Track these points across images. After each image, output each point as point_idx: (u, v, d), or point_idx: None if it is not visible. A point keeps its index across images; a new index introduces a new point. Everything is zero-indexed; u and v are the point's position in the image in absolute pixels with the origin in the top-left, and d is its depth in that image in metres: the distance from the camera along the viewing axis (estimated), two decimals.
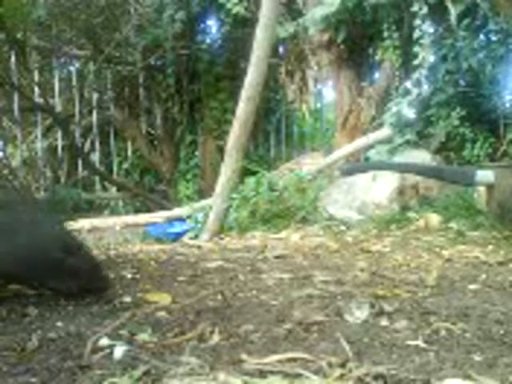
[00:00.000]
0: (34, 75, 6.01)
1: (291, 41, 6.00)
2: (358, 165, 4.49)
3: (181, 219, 4.30)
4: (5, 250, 1.48)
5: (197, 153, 6.67)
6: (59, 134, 6.25)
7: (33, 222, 1.58)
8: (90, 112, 6.59)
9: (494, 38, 5.08)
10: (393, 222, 3.41)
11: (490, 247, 2.46)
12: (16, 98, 5.59)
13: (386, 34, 4.97)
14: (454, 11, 4.58)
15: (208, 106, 6.64)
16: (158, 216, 4.63)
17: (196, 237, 3.35)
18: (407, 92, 4.82)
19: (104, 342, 1.14)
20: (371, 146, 4.76)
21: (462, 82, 5.09)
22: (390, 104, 4.83)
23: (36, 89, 6.01)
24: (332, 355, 1.04)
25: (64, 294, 1.56)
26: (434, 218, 3.32)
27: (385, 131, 4.74)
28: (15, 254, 1.49)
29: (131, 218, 4.74)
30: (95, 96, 6.61)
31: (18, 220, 1.56)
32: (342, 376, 0.94)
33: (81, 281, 1.55)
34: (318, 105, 7.21)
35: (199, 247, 2.82)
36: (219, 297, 1.58)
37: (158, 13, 6.28)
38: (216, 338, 1.19)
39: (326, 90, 6.79)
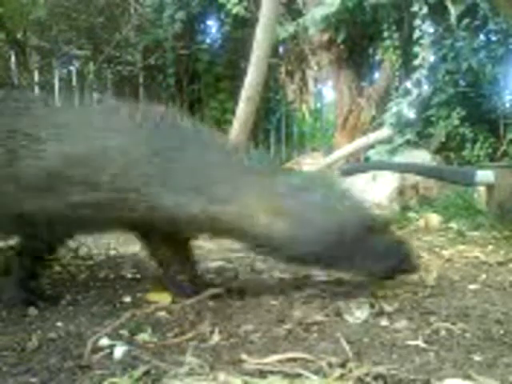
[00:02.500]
0: (34, 75, 6.01)
1: (291, 41, 6.00)
2: (357, 165, 4.49)
3: None
4: (311, 229, 1.48)
5: None
6: None
7: (325, 204, 1.54)
8: None
9: (493, 38, 5.09)
10: (393, 221, 3.41)
11: (490, 247, 2.46)
12: None
13: (386, 33, 4.97)
14: (453, 11, 4.59)
15: (208, 106, 6.64)
16: None
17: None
18: (407, 92, 4.82)
19: (104, 341, 1.14)
20: (371, 146, 4.76)
21: (462, 82, 5.10)
22: (390, 104, 4.83)
23: (36, 89, 6.01)
24: (332, 355, 1.04)
25: (371, 276, 1.56)
26: (434, 218, 3.32)
27: (385, 131, 4.74)
28: (320, 233, 1.48)
29: None
30: (95, 96, 6.61)
31: (311, 203, 1.52)
32: (342, 376, 0.94)
33: (389, 262, 1.53)
34: (318, 105, 7.21)
35: (199, 247, 2.82)
36: (219, 297, 1.58)
37: (158, 13, 6.28)
38: (216, 337, 1.19)
39: (326, 90, 6.80)
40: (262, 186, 1.50)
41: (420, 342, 1.13)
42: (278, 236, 1.47)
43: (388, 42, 5.01)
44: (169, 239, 1.69)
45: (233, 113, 3.87)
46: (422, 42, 4.64)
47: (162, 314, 1.40)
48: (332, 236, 1.48)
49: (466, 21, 4.73)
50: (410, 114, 4.75)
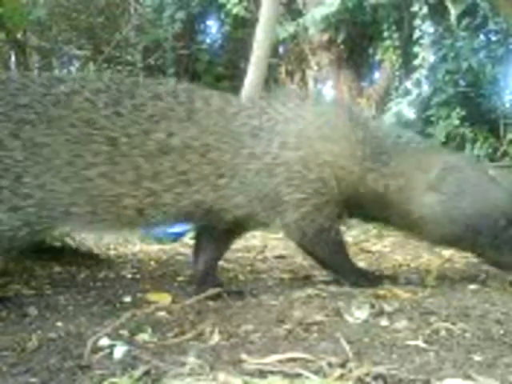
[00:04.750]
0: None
1: (291, 41, 6.00)
2: None
3: None
4: (455, 211, 1.57)
5: None
6: None
7: (479, 184, 1.64)
8: None
9: (493, 38, 5.09)
10: None
11: None
12: None
13: (386, 34, 4.98)
14: (454, 11, 4.59)
15: None
16: None
17: None
18: (407, 92, 4.82)
19: (104, 342, 1.14)
20: None
21: (462, 82, 5.10)
22: (390, 104, 4.83)
23: None
24: (332, 355, 1.04)
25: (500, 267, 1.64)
26: None
27: None
28: (463, 217, 1.57)
29: None
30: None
31: (466, 182, 1.62)
32: (342, 376, 0.94)
33: None
34: None
35: None
36: (219, 297, 1.58)
37: (158, 13, 6.29)
38: (216, 337, 1.19)
39: (326, 90, 6.79)
40: (425, 163, 1.63)
41: (420, 342, 1.13)
42: (436, 211, 1.59)
43: (388, 42, 5.01)
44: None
45: None
46: (421, 42, 4.65)
47: (162, 313, 1.40)
48: (485, 217, 1.57)
49: (466, 21, 4.73)
50: (410, 113, 4.75)
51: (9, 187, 1.42)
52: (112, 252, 2.57)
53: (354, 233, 3.12)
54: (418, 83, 4.81)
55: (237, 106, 1.64)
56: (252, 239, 3.00)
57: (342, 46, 5.33)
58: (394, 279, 1.72)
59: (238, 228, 1.72)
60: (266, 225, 1.70)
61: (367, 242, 2.74)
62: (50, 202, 1.45)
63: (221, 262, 2.20)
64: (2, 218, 1.42)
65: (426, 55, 4.67)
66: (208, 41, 6.96)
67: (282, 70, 6.50)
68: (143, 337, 1.20)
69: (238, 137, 1.57)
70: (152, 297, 1.58)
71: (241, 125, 1.59)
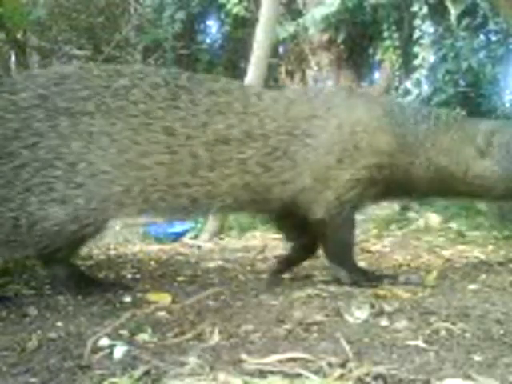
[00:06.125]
0: None
1: (291, 41, 6.00)
2: None
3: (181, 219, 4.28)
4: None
5: None
6: None
7: None
8: None
9: (493, 38, 5.09)
10: (393, 221, 3.41)
11: (490, 247, 2.46)
12: None
13: (386, 34, 4.98)
14: (453, 11, 4.59)
15: None
16: None
17: (196, 237, 3.35)
18: (407, 92, 4.82)
19: (104, 342, 1.14)
20: None
21: (461, 82, 5.10)
22: None
23: None
24: (332, 355, 1.04)
25: None
26: (434, 218, 3.32)
27: None
28: None
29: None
30: None
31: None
32: (342, 376, 0.94)
33: None
34: None
35: (199, 247, 2.82)
36: (219, 297, 1.58)
37: (158, 13, 6.29)
38: (216, 337, 1.19)
39: None
40: (467, 134, 1.76)
41: (420, 342, 1.13)
42: (490, 175, 1.74)
43: (388, 42, 5.01)
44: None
45: None
46: (421, 42, 4.65)
47: (162, 313, 1.40)
48: None
49: (466, 21, 4.73)
50: None
51: (62, 177, 1.45)
52: (112, 252, 2.57)
53: None
54: (418, 83, 4.81)
55: (291, 95, 1.80)
56: (252, 239, 3.00)
57: (342, 46, 5.34)
58: (393, 279, 1.72)
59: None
60: (309, 205, 1.72)
61: (367, 242, 2.74)
62: (101, 193, 1.48)
63: (221, 262, 2.21)
64: (49, 213, 1.44)
65: (426, 55, 4.68)
66: (208, 41, 6.96)
67: (282, 70, 6.50)
68: (143, 337, 1.20)
69: (294, 121, 1.68)
70: (152, 297, 1.58)
71: (297, 111, 1.70)
